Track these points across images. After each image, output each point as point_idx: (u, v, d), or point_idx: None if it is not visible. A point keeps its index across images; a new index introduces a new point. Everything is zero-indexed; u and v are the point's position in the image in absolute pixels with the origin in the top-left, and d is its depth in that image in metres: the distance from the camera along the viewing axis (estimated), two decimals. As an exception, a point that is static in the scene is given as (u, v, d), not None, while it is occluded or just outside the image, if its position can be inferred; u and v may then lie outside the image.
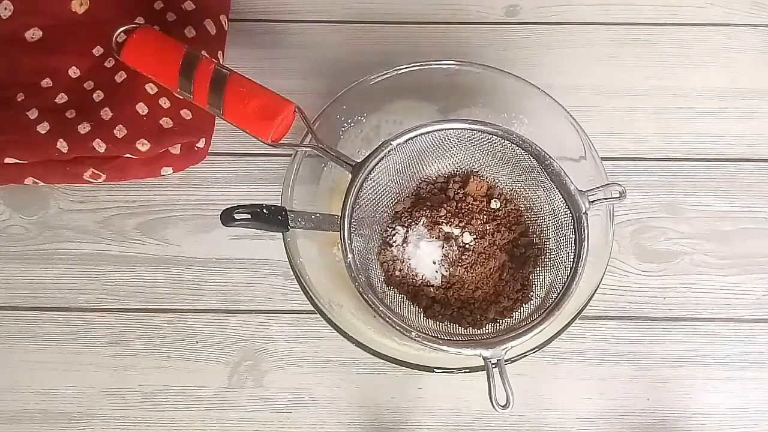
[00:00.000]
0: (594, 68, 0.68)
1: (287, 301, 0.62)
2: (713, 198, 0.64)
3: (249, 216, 0.50)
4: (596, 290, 0.54)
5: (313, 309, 0.54)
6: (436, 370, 0.54)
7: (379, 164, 0.54)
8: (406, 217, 0.60)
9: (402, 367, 0.53)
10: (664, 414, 0.59)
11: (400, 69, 0.58)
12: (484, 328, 0.57)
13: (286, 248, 0.54)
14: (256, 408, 0.59)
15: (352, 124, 0.60)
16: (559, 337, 0.53)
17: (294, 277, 0.54)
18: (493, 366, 0.50)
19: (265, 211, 0.50)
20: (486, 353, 0.50)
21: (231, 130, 0.66)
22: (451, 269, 0.58)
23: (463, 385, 0.59)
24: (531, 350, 0.53)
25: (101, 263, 0.63)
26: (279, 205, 0.53)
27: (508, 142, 0.55)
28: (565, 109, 0.57)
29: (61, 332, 0.61)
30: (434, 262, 0.58)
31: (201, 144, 0.64)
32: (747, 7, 0.69)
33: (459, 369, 0.55)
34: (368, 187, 0.55)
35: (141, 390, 0.60)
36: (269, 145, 0.55)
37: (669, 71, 0.68)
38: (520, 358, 0.53)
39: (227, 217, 0.49)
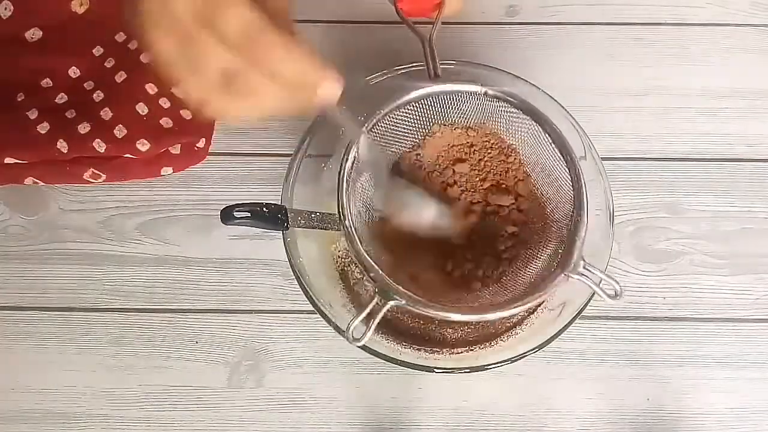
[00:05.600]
0: (594, 68, 0.68)
1: (287, 301, 0.62)
2: (713, 198, 0.64)
3: (249, 214, 0.49)
4: (596, 290, 0.54)
5: (313, 309, 0.54)
6: (436, 370, 0.54)
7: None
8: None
9: (402, 367, 0.54)
10: (664, 414, 0.59)
11: (400, 69, 0.58)
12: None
13: (286, 248, 0.54)
14: (256, 408, 0.59)
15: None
16: (559, 337, 0.53)
17: (294, 277, 0.54)
18: None
19: (264, 209, 0.50)
20: None
21: (231, 130, 0.66)
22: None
23: (463, 385, 0.59)
24: (531, 350, 0.53)
25: (101, 263, 0.63)
26: (279, 203, 0.53)
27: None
28: (565, 109, 0.57)
29: (61, 332, 0.61)
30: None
31: (201, 144, 0.64)
32: (747, 7, 0.69)
33: (459, 369, 0.55)
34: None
35: (141, 390, 0.60)
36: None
37: (669, 71, 0.68)
38: (520, 359, 0.53)
39: (227, 215, 0.49)
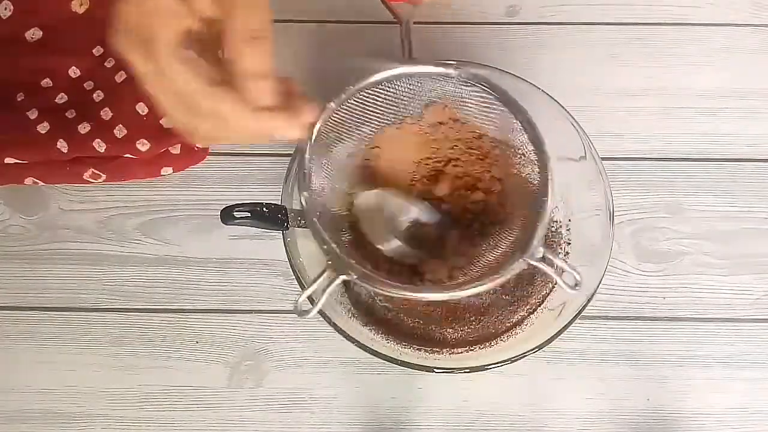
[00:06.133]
0: (594, 68, 0.68)
1: (287, 301, 0.62)
2: (713, 198, 0.64)
3: (249, 214, 0.49)
4: (596, 290, 0.54)
5: (313, 309, 0.54)
6: (436, 370, 0.54)
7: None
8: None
9: (402, 367, 0.54)
10: (664, 414, 0.59)
11: (400, 69, 0.58)
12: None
13: (286, 248, 0.54)
14: (256, 408, 0.59)
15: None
16: (559, 337, 0.53)
17: (294, 277, 0.54)
18: None
19: (264, 209, 0.50)
20: None
21: (231, 130, 0.66)
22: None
23: (463, 385, 0.59)
24: (531, 350, 0.53)
25: (101, 263, 0.63)
26: (279, 203, 0.53)
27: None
28: (565, 109, 0.57)
29: (61, 332, 0.61)
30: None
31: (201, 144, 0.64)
32: (747, 7, 0.69)
33: (459, 369, 0.55)
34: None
35: (141, 390, 0.60)
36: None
37: (669, 71, 0.68)
38: (520, 359, 0.53)
39: (227, 215, 0.49)
